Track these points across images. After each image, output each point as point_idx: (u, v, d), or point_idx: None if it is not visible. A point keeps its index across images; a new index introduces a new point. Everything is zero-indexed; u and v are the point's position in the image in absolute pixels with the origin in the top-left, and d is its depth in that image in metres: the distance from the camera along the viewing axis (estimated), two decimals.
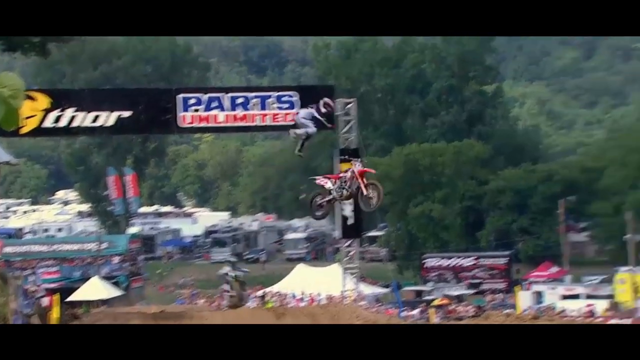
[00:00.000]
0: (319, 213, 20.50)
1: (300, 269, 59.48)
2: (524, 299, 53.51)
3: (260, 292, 50.21)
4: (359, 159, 20.11)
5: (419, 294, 58.89)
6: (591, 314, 49.21)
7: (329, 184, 19.75)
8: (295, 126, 20.44)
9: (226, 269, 27.77)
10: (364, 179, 19.16)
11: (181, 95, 34.17)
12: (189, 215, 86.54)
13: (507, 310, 45.12)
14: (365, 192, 18.96)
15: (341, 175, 19.89)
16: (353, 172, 19.07)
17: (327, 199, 20.03)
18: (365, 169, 19.71)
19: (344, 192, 19.44)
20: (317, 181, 20.43)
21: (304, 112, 20.69)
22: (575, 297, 54.55)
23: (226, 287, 28.21)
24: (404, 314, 48.29)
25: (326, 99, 20.68)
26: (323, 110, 20.09)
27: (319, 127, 20.21)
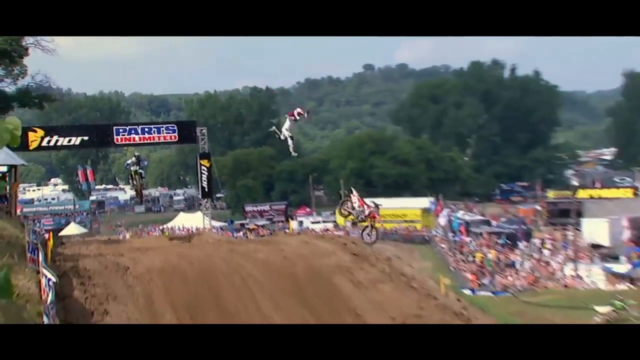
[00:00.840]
0: (344, 213, 22.96)
1: (182, 215, 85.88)
2: (293, 225, 77.81)
3: (160, 227, 76.87)
4: (374, 204, 21.85)
5: (242, 224, 78.12)
6: (326, 229, 66.86)
7: (355, 204, 22.15)
8: (280, 131, 23.41)
9: (133, 160, 28.67)
10: (374, 221, 21.99)
11: (115, 127, 49.26)
12: (122, 189, 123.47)
13: (287, 231, 69.59)
14: (371, 230, 21.97)
15: (364, 204, 21.95)
16: (371, 212, 21.59)
17: (348, 211, 22.51)
18: (377, 215, 21.95)
19: (359, 218, 22.05)
20: (353, 196, 22.78)
21: (286, 124, 22.90)
22: (318, 222, 77.80)
23: (130, 181, 29.80)
24: (234, 234, 62.82)
25: (298, 108, 23.37)
26: (298, 117, 22.74)
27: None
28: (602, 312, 27.35)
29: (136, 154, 30.27)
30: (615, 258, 46.56)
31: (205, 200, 52.52)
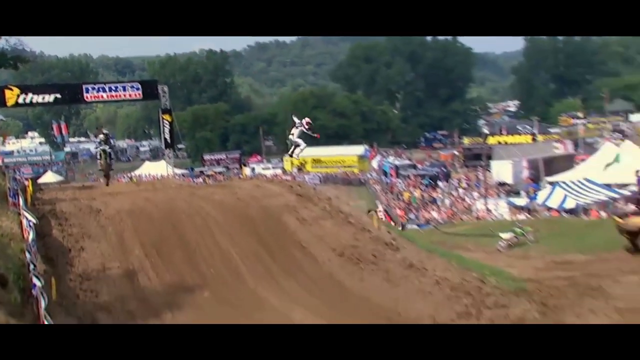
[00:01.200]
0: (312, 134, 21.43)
1: (147, 164, 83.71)
2: (246, 171, 74.93)
3: (128, 175, 68.89)
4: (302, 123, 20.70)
5: (201, 172, 75.35)
6: (275, 175, 59.88)
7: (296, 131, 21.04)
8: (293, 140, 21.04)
9: (101, 137, 26.12)
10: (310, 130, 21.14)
11: (84, 86, 49.05)
12: (93, 141, 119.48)
13: (240, 176, 64.95)
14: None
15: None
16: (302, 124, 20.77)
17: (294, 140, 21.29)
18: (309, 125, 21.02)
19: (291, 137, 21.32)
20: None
21: (296, 132, 21.00)
22: (268, 168, 76.43)
23: (98, 160, 27.12)
24: (194, 180, 54.98)
25: (307, 119, 21.54)
26: (307, 127, 20.91)
27: (308, 143, 21.12)
28: (505, 238, 28.31)
29: (104, 131, 27.62)
30: (516, 193, 48.32)
31: (168, 150, 52.76)
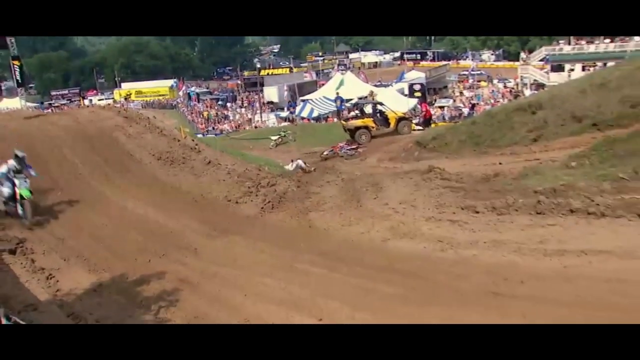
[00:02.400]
0: None
1: (5, 100, 65.33)
2: (85, 102, 65.79)
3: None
4: None
5: (50, 104, 67.00)
6: (108, 104, 67.36)
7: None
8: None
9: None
10: None
11: None
12: None
13: (80, 106, 54.46)
14: None
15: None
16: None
17: None
18: None
19: None
20: None
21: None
22: (102, 100, 68.74)
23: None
24: (44, 111, 45.88)
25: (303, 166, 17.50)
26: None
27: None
28: (274, 139, 28.85)
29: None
30: (281, 109, 49.17)
31: (20, 89, 48.06)
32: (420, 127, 27.41)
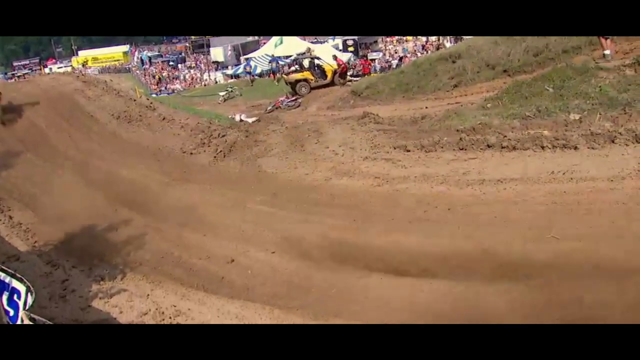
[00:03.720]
0: None
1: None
2: (46, 71, 63.70)
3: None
4: None
5: (13, 74, 65.74)
6: (66, 71, 67.05)
7: None
8: None
9: None
10: None
11: None
12: None
13: (41, 74, 54.80)
14: None
15: None
16: None
17: None
18: None
19: None
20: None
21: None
22: (61, 67, 68.95)
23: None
24: (5, 81, 48.58)
25: None
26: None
27: None
28: (222, 95, 28.04)
29: None
30: (226, 67, 47.70)
31: None
32: (356, 79, 27.25)
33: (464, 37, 21.66)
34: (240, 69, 41.22)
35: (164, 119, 15.83)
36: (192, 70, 52.89)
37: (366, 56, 38.76)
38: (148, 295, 6.41)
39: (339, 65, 25.13)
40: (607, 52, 10.88)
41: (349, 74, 26.07)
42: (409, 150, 9.72)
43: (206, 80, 45.58)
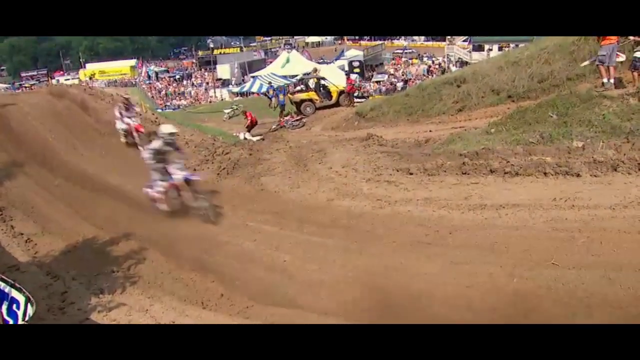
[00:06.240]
0: None
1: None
2: (54, 82, 67.01)
3: None
4: None
5: (21, 85, 64.88)
6: (74, 84, 70.08)
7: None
8: None
9: None
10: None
11: None
12: None
13: (48, 85, 62.02)
14: None
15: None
16: None
17: None
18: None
19: None
20: None
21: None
22: (68, 79, 63.06)
23: None
24: (13, 91, 48.24)
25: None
26: None
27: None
28: (227, 112, 28.21)
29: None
30: (230, 84, 47.93)
31: None
32: (361, 100, 27.43)
33: (468, 62, 21.88)
34: (248, 87, 41.37)
35: None
36: (197, 86, 53.41)
37: (370, 77, 39.07)
38: (147, 310, 6.40)
39: (350, 85, 25.38)
40: (605, 80, 11.00)
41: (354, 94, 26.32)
42: (411, 173, 9.74)
43: (212, 96, 46.01)
